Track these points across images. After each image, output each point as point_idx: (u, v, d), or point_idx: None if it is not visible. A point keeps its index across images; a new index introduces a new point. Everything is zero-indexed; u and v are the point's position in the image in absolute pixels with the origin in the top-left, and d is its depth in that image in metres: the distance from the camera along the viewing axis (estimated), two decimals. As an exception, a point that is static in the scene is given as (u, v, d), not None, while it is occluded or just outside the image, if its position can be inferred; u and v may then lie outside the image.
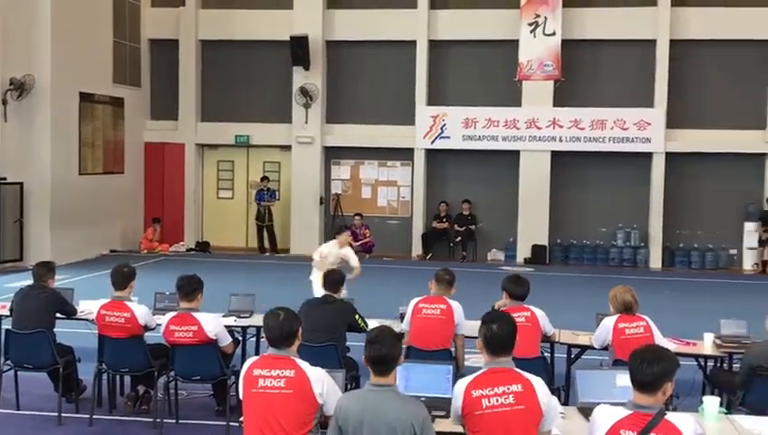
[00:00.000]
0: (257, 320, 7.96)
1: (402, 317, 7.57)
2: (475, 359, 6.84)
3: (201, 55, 20.36)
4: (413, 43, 19.30)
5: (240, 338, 7.99)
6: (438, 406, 5.14)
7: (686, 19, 18.37)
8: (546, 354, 7.47)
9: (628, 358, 4.28)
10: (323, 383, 4.77)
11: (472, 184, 19.46)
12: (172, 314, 7.01)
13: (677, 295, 14.77)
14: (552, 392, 6.55)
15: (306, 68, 19.35)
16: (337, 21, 19.64)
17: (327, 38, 19.66)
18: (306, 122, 19.66)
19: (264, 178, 19.97)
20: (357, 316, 7.42)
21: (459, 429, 4.61)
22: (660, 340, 6.96)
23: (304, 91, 19.42)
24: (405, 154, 19.63)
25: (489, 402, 4.32)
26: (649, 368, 4.09)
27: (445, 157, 19.53)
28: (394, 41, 19.50)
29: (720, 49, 18.46)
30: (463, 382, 4.46)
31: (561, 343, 7.72)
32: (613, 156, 18.72)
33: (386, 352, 4.37)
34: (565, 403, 6.72)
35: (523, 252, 18.98)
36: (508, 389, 4.33)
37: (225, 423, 6.95)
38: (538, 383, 4.40)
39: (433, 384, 5.40)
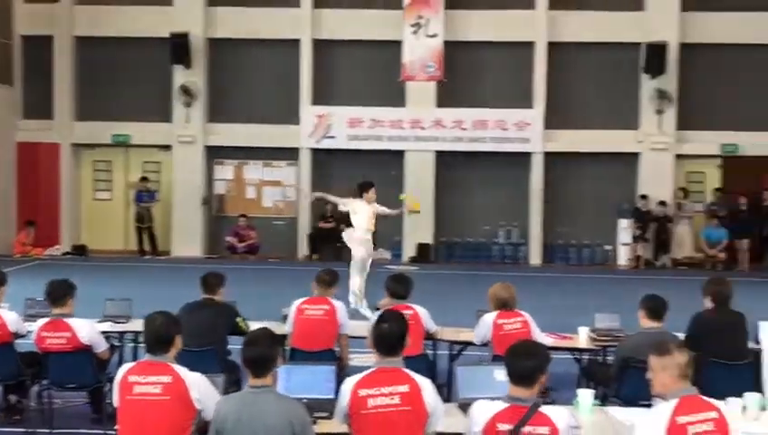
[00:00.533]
0: (134, 325, 7.74)
1: (285, 319, 7.49)
2: (364, 358, 6.86)
3: (77, 52, 19.68)
4: (297, 41, 19.20)
5: (116, 344, 7.76)
6: (321, 407, 5.10)
7: (563, 22, 18.91)
8: (429, 352, 7.55)
9: (505, 354, 4.37)
10: (201, 388, 4.69)
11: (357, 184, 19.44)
12: (44, 320, 6.75)
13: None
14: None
15: (187, 66, 18.99)
16: (219, 18, 19.34)
17: (209, 36, 19.33)
18: (187, 121, 19.29)
19: (144, 179, 19.48)
20: (239, 319, 7.31)
21: (343, 429, 4.60)
22: (538, 335, 7.13)
23: (185, 90, 19.05)
24: (290, 154, 19.50)
25: (375, 402, 4.33)
26: (525, 362, 4.20)
27: (330, 156, 19.50)
28: (278, 39, 19.35)
29: (595, 51, 19.08)
30: (350, 381, 4.45)
31: (443, 341, 7.81)
32: (495, 156, 19.11)
33: (262, 353, 4.34)
34: (447, 400, 6.79)
35: (408, 251, 19.15)
36: (395, 389, 4.35)
37: (101, 432, 6.74)
38: (425, 385, 4.43)
39: (315, 386, 5.36)
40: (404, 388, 4.34)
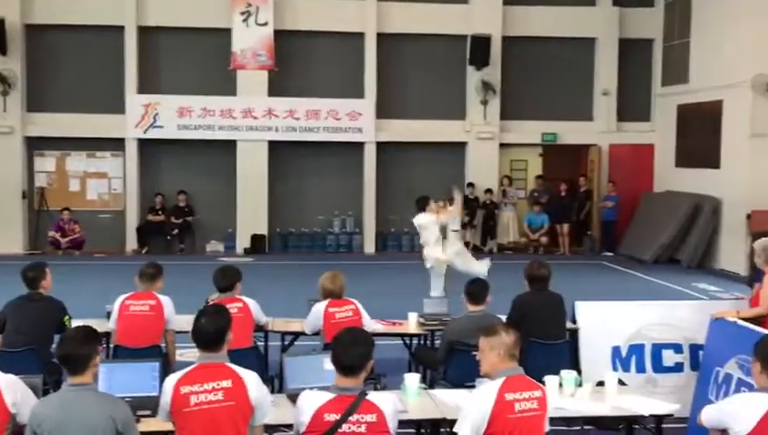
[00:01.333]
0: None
1: (109, 315, 7.23)
2: (191, 354, 6.71)
3: None
4: (121, 28, 18.51)
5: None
6: (144, 405, 4.99)
7: (392, 13, 19.19)
8: (261, 344, 7.50)
9: (331, 343, 4.40)
10: (15, 391, 4.46)
11: (188, 175, 19.08)
12: None
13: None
14: (265, 382, 6.61)
15: (3, 53, 17.94)
16: (36, 3, 18.36)
17: (26, 21, 18.33)
18: (5, 111, 18.23)
19: (-42, 172, 18.28)
20: (66, 317, 6.97)
21: (168, 427, 4.49)
22: (368, 322, 7.24)
23: (1, 78, 18.00)
24: (115, 144, 18.81)
25: (198, 399, 4.24)
26: (353, 351, 4.23)
27: (159, 147, 18.97)
28: (100, 26, 18.58)
29: (423, 43, 19.48)
30: (172, 378, 4.34)
31: (274, 332, 7.78)
32: (328, 145, 19.18)
33: (73, 351, 4.18)
34: (279, 391, 6.77)
35: (242, 242, 18.94)
36: (218, 385, 4.27)
37: None
38: (249, 378, 4.37)
39: (138, 383, 5.22)
40: (227, 383, 4.27)
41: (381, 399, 4.32)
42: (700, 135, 17.82)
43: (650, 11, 19.83)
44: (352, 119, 19.09)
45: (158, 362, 5.41)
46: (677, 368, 7.66)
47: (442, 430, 5.08)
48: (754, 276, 7.75)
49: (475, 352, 4.81)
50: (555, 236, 19.40)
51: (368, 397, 4.26)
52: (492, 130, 19.51)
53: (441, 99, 19.62)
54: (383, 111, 19.22)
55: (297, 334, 7.72)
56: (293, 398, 4.97)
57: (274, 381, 6.86)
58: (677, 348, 7.68)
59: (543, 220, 19.27)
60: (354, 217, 19.53)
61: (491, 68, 19.19)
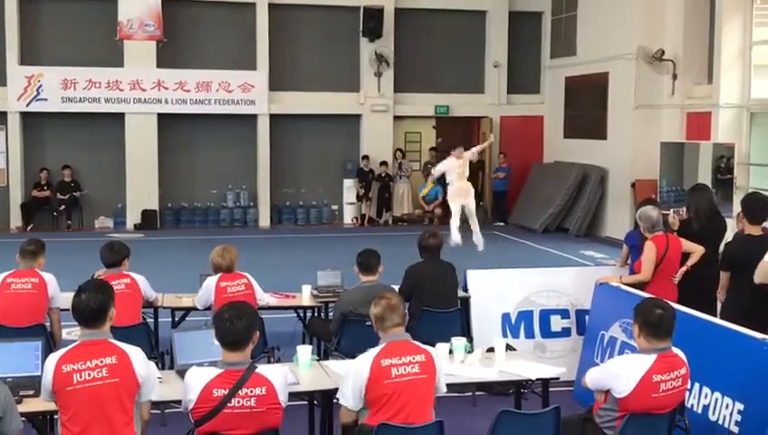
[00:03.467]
0: None
1: (-10, 295, 6.94)
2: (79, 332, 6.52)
3: None
4: (0, -3, 17.73)
5: None
6: (26, 385, 4.83)
7: (284, -16, 18.95)
8: (150, 320, 7.35)
9: (213, 319, 4.35)
10: None
11: (74, 149, 18.46)
12: None
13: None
14: (156, 358, 6.50)
15: None
16: None
17: None
18: None
19: None
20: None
21: (51, 406, 4.36)
22: (261, 295, 7.20)
23: None
24: (-3, 118, 18.07)
25: (81, 377, 4.12)
26: (237, 325, 4.19)
27: (42, 120, 18.28)
28: (-23, -6, 17.76)
29: (316, 14, 19.31)
30: (54, 357, 4.21)
31: (164, 308, 7.64)
32: (220, 118, 18.87)
33: None
34: (171, 367, 6.66)
35: (133, 218, 18.49)
36: (101, 362, 4.16)
37: None
38: (134, 353, 4.28)
39: (20, 363, 5.05)
40: (111, 359, 4.17)
41: (270, 371, 4.30)
42: (587, 106, 18.31)
43: (539, -16, 20.20)
44: (245, 91, 18.82)
45: (40, 341, 5.22)
46: (565, 333, 7.89)
47: (334, 400, 5.09)
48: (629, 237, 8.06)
49: (369, 323, 4.85)
50: (448, 208, 19.58)
51: (257, 370, 4.23)
52: (386, 102, 19.56)
53: (335, 71, 19.53)
54: (276, 83, 19.01)
55: (188, 310, 7.60)
56: (182, 374, 4.89)
57: (164, 358, 6.75)
58: (564, 313, 7.90)
59: (437, 192, 19.41)
60: (248, 191, 19.32)
61: (384, 40, 19.20)
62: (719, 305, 6.91)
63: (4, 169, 18.22)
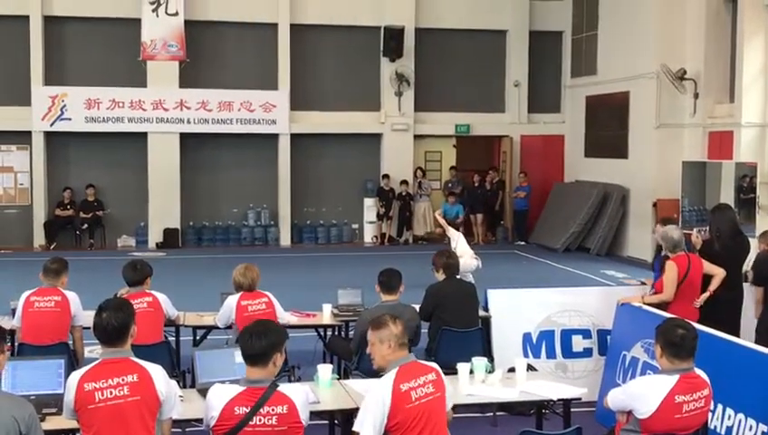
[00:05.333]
0: None
1: (14, 313, 7.02)
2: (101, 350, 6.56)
3: None
4: (26, 18, 17.94)
5: None
6: (49, 403, 4.87)
7: (305, 4, 19.07)
8: (171, 338, 7.38)
9: (239, 335, 4.36)
10: None
11: (97, 168, 18.62)
12: None
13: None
14: (177, 377, 6.53)
15: None
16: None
17: None
18: None
19: None
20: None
21: (74, 424, 4.38)
22: (282, 314, 7.20)
23: None
24: (21, 138, 18.21)
25: (103, 395, 4.14)
26: (258, 342, 4.20)
27: (66, 140, 18.47)
28: (4, 15, 17.96)
29: (337, 34, 19.43)
30: (75, 375, 4.23)
31: (186, 326, 7.67)
32: (241, 137, 18.98)
33: None
34: (192, 386, 6.69)
35: (154, 236, 18.59)
36: (123, 380, 4.18)
37: None
38: (155, 371, 4.30)
39: (43, 381, 5.09)
40: (132, 377, 4.19)
41: (292, 390, 4.30)
42: (608, 126, 18.27)
43: (560, 4, 20.20)
44: (266, 110, 18.93)
45: (63, 359, 5.27)
46: (586, 353, 7.85)
47: (354, 420, 5.08)
48: (655, 260, 8.00)
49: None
50: (469, 227, 19.62)
51: (279, 388, 4.23)
52: (406, 121, 19.60)
53: (356, 90, 19.62)
54: (297, 102, 19.11)
55: (210, 328, 7.64)
56: (204, 392, 4.91)
57: (186, 376, 6.77)
58: (586, 333, 7.86)
59: (458, 211, 19.44)
60: (269, 210, 19.38)
61: (405, 59, 19.27)
62: (755, 322, 6.86)
63: (28, 189, 18.40)
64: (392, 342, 4.53)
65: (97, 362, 4.27)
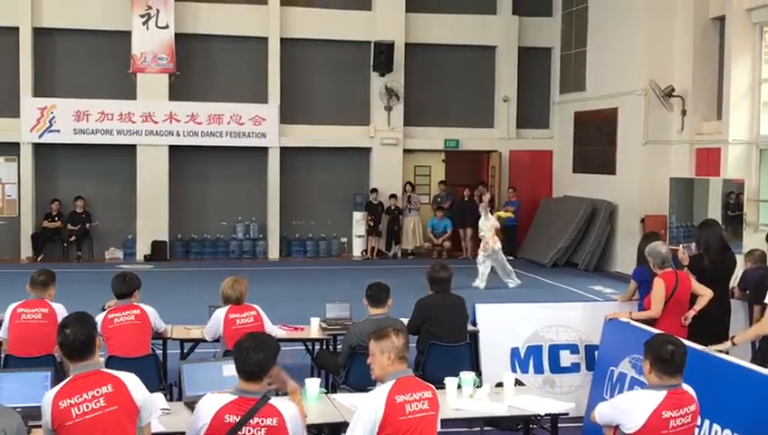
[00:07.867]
0: None
1: (0, 325, 6.98)
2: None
3: None
4: (15, 29, 17.92)
5: None
6: (36, 416, 4.81)
7: (295, 18, 19.13)
8: (159, 351, 7.36)
9: (233, 349, 4.36)
10: None
11: (86, 180, 18.59)
12: None
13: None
14: (164, 390, 6.51)
15: None
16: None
17: None
18: None
19: None
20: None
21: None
22: (270, 327, 7.19)
23: None
24: (9, 149, 18.16)
25: (80, 410, 4.11)
26: (255, 356, 4.21)
27: (55, 152, 18.42)
28: (-8, 26, 18.00)
29: (327, 48, 19.48)
30: (49, 395, 4.20)
31: (173, 339, 7.65)
32: (231, 150, 18.98)
33: None
34: (179, 399, 6.66)
35: (142, 249, 18.53)
36: (98, 392, 4.15)
37: None
38: (129, 379, 4.29)
39: (30, 393, 5.06)
40: (106, 389, 4.17)
41: (283, 404, 4.32)
42: (596, 142, 18.35)
43: (549, 20, 20.32)
44: (256, 124, 18.94)
45: (49, 371, 5.24)
46: (574, 368, 7.86)
47: (342, 434, 5.07)
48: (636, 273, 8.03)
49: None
50: (458, 241, 19.65)
51: (270, 401, 4.24)
52: (396, 135, 19.65)
53: (345, 104, 19.66)
54: (287, 116, 19.13)
55: (197, 341, 7.62)
56: (191, 405, 4.90)
57: (173, 389, 6.74)
58: (574, 349, 7.87)
59: (446, 225, 19.51)
60: (258, 223, 19.36)
61: (394, 74, 19.34)
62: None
63: (16, 200, 18.33)
64: (392, 353, 4.56)
65: (68, 378, 4.23)
